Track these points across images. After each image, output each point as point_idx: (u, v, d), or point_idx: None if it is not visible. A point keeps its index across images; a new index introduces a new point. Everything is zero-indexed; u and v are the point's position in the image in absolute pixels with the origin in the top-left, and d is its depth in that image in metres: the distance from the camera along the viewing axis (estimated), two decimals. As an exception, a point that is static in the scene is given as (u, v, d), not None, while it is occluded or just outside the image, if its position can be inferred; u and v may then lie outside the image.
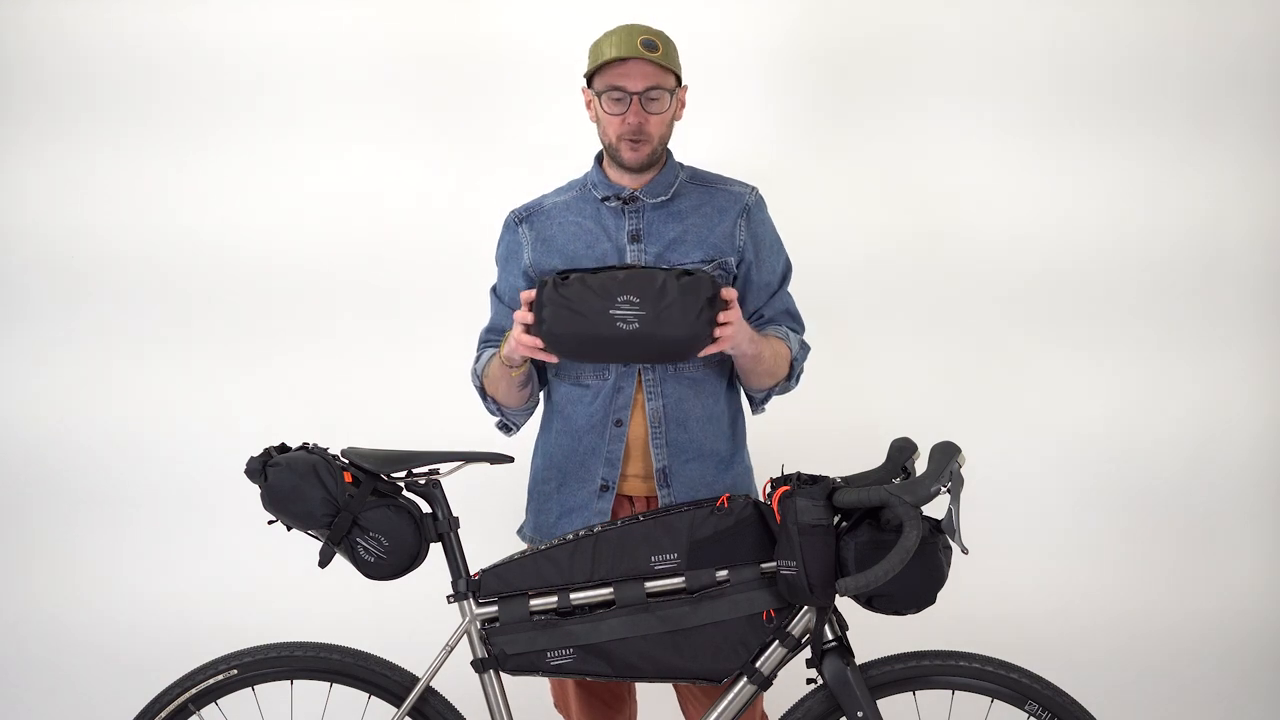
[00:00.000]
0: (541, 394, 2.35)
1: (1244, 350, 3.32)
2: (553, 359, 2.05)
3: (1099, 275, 3.29)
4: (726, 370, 2.28)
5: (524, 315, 2.04)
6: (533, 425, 2.39)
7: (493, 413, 2.33)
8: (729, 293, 2.03)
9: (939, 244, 3.29)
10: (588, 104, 2.22)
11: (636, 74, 2.11)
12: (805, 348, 2.34)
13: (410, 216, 3.33)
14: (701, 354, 2.04)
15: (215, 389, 3.37)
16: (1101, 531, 3.32)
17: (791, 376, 2.30)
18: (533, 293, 2.04)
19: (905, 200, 3.28)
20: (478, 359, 2.32)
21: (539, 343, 2.02)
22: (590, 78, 2.17)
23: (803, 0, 3.24)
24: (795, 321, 2.36)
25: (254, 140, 3.34)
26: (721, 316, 2.01)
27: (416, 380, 3.33)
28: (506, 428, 2.36)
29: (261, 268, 3.35)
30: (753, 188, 2.31)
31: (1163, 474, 3.32)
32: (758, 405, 2.37)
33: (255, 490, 2.01)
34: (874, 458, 2.02)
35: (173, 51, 3.32)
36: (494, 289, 2.36)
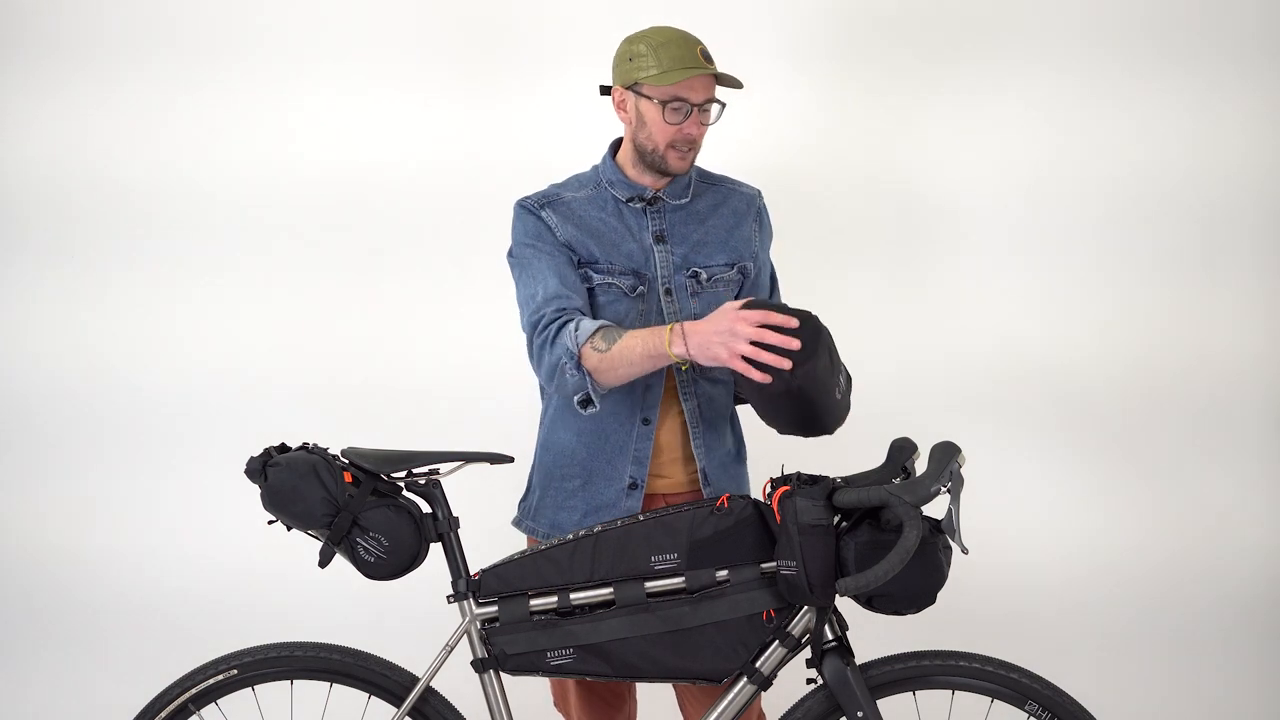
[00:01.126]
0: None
1: (1244, 298, 3.30)
2: (766, 379, 1.85)
3: (1109, 225, 3.30)
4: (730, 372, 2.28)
5: (790, 342, 1.83)
6: (532, 422, 2.38)
7: (576, 389, 2.08)
8: None
9: (942, 242, 3.29)
10: (619, 104, 2.18)
11: (700, 86, 2.11)
12: None
13: (411, 208, 3.32)
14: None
15: (214, 388, 3.36)
16: (1103, 530, 3.32)
17: None
18: (788, 318, 1.85)
19: (908, 189, 3.28)
20: (574, 328, 2.03)
21: (787, 363, 1.82)
22: (636, 82, 2.12)
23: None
24: None
25: (257, 96, 3.32)
26: None
27: (417, 379, 3.33)
28: (589, 402, 2.08)
29: (260, 266, 3.35)
30: (758, 190, 2.33)
31: (1160, 467, 3.32)
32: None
33: (256, 490, 2.01)
34: (874, 458, 2.02)
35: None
36: (516, 256, 2.20)
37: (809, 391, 1.87)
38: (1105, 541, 3.32)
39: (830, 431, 1.99)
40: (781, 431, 2.00)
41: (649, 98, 2.11)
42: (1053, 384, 3.31)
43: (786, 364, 1.82)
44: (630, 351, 2.00)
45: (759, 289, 2.32)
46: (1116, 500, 3.32)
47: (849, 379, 2.02)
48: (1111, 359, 3.30)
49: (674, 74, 2.08)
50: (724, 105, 2.16)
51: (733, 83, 2.12)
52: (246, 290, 3.36)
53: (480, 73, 3.28)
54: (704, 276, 2.21)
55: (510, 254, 2.23)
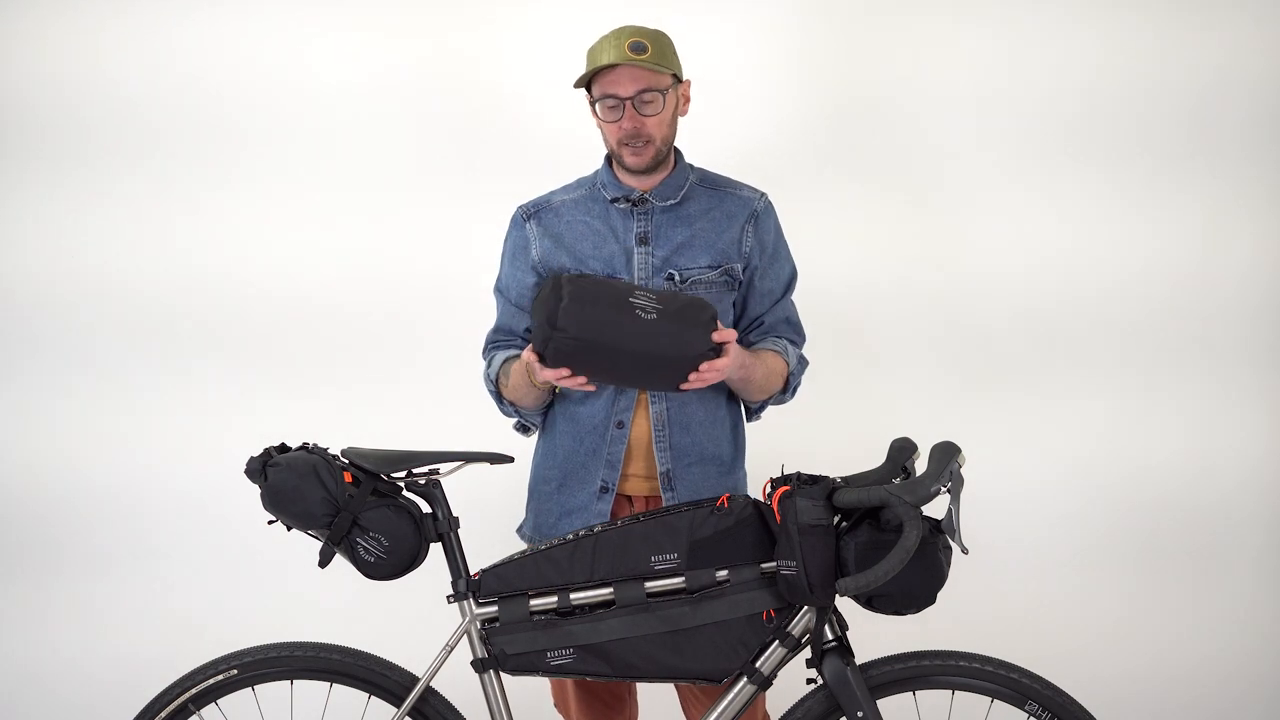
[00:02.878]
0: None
1: (1242, 375, 3.31)
2: (578, 381, 2.00)
3: (1102, 297, 3.30)
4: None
5: (533, 358, 2.00)
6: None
7: (508, 414, 2.32)
8: (726, 334, 2.02)
9: (944, 253, 3.29)
10: (591, 110, 2.21)
11: (626, 79, 2.10)
12: (803, 362, 2.34)
13: (411, 212, 3.32)
14: (683, 386, 2.02)
15: (215, 389, 3.36)
16: (1102, 532, 3.32)
17: (787, 390, 2.30)
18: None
19: (914, 211, 3.29)
20: (489, 364, 2.29)
21: (565, 371, 1.98)
22: (588, 85, 2.17)
23: (809, 35, 3.26)
24: (795, 331, 2.35)
25: (249, 152, 3.34)
26: (709, 364, 2.00)
27: (417, 380, 3.33)
28: (525, 428, 2.35)
29: (262, 266, 3.35)
30: (762, 194, 2.31)
31: (1164, 478, 3.32)
32: (752, 414, 2.37)
33: (255, 491, 2.01)
34: (874, 458, 2.02)
35: (173, 73, 3.33)
36: (498, 288, 2.34)
37: (600, 335, 1.94)
38: (1106, 542, 3.33)
39: (692, 346, 1.97)
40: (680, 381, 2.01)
41: (592, 100, 2.16)
42: (1052, 379, 3.31)
43: (563, 371, 1.97)
44: (516, 378, 2.18)
45: (759, 293, 2.29)
46: (1117, 502, 3.32)
47: (663, 295, 2.00)
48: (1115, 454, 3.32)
49: (586, 73, 2.13)
50: (665, 92, 2.13)
51: (650, 66, 2.09)
52: (247, 289, 3.35)
53: (474, 120, 3.31)
54: (678, 278, 2.19)
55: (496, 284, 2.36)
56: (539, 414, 2.31)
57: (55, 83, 3.33)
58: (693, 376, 2.00)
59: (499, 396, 2.28)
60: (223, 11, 3.32)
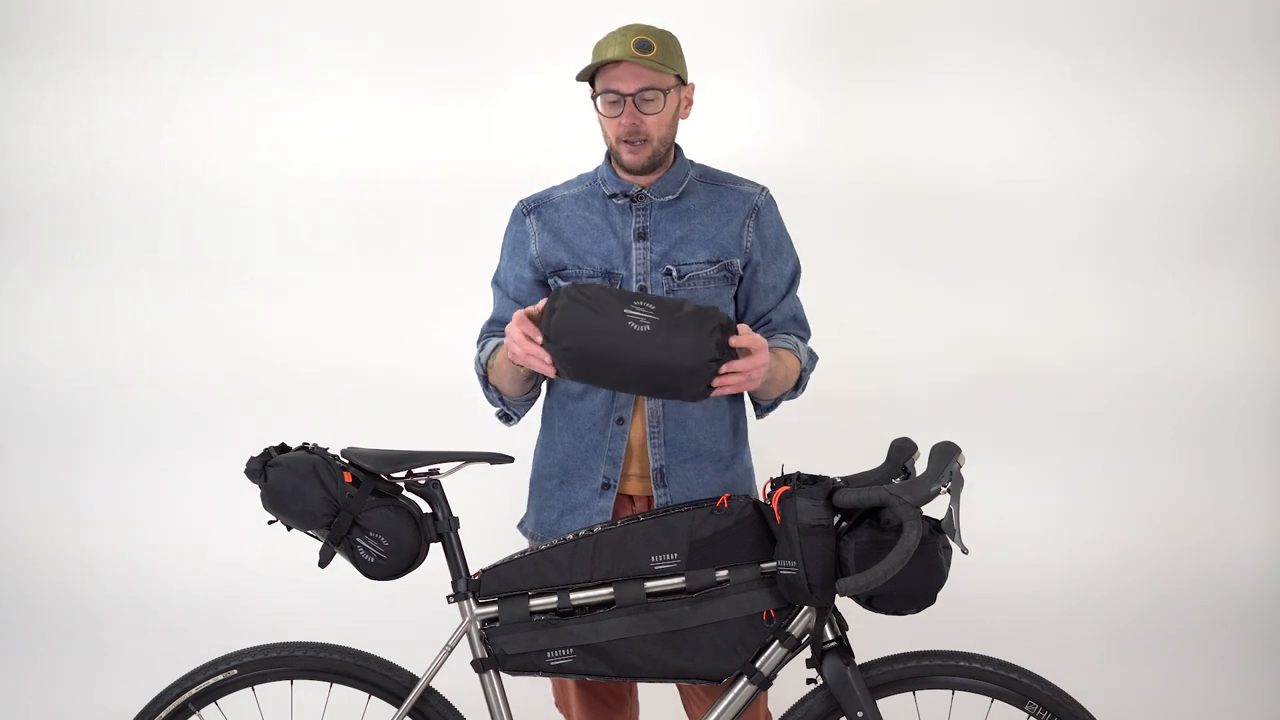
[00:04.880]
0: (544, 388, 2.34)
1: (1244, 297, 3.29)
2: (551, 372, 1.95)
3: (1106, 228, 3.28)
4: None
5: (532, 330, 1.94)
6: (535, 420, 2.38)
7: (493, 402, 2.30)
8: (746, 340, 1.91)
9: (945, 232, 3.28)
10: (593, 103, 2.21)
11: (629, 76, 2.11)
12: (813, 358, 2.33)
13: (410, 211, 3.32)
14: (712, 395, 1.94)
15: (215, 389, 3.36)
16: (1103, 530, 3.32)
17: (799, 387, 2.30)
18: (539, 307, 1.95)
19: (911, 177, 3.27)
20: (481, 348, 2.29)
21: (545, 355, 1.93)
22: (592, 79, 2.17)
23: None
24: (801, 328, 2.34)
25: (257, 107, 3.33)
26: (729, 365, 1.90)
27: (417, 379, 3.33)
28: (507, 417, 2.32)
29: (261, 267, 3.35)
30: (763, 188, 2.30)
31: (1162, 467, 3.32)
32: (762, 411, 2.35)
33: (255, 490, 2.01)
34: (874, 458, 2.02)
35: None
36: (496, 280, 2.35)
37: (588, 344, 1.88)
38: (1106, 542, 3.32)
39: (691, 366, 1.87)
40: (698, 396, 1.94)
41: (594, 95, 2.16)
42: (1053, 382, 3.30)
43: (539, 351, 1.92)
44: (500, 359, 2.16)
45: (763, 289, 2.28)
46: (1118, 501, 3.32)
47: (666, 305, 1.91)
48: (1113, 358, 3.29)
49: (591, 67, 2.12)
50: (667, 93, 2.12)
51: (655, 65, 2.07)
52: (248, 290, 3.35)
53: (473, 73, 3.28)
54: (676, 274, 2.19)
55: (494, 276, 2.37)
56: (523, 403, 2.29)
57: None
58: (717, 382, 1.91)
59: (485, 382, 2.26)
60: (207, 96, 3.30)
